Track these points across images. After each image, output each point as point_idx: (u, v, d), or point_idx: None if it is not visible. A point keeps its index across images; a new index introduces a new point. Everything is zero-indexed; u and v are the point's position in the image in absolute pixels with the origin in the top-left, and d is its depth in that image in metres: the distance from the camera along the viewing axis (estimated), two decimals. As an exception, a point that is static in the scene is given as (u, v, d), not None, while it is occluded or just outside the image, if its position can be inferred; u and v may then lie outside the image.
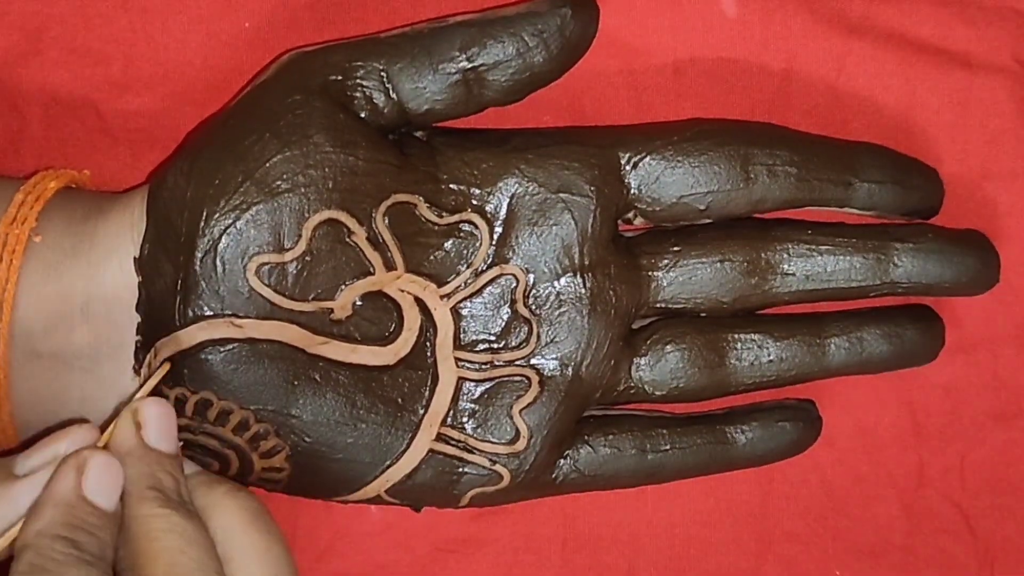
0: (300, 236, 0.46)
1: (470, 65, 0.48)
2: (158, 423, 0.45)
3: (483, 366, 0.49)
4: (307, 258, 0.46)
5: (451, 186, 0.48)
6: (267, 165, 0.46)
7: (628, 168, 0.50)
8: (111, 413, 0.47)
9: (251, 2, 0.53)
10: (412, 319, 0.48)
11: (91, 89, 0.53)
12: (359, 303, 0.48)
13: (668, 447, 0.51)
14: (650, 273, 0.50)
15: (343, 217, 0.47)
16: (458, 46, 0.48)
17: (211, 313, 0.46)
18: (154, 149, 0.53)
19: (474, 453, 0.49)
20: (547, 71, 0.48)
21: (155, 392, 0.46)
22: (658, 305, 0.51)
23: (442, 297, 0.48)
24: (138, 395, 0.46)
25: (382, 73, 0.48)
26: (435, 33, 0.48)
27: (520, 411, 0.49)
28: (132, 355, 0.47)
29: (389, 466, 0.49)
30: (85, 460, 0.43)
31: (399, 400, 0.48)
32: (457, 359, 0.49)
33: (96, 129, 0.53)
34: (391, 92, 0.48)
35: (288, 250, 0.46)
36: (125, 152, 0.53)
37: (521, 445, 0.49)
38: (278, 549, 0.45)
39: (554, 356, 0.49)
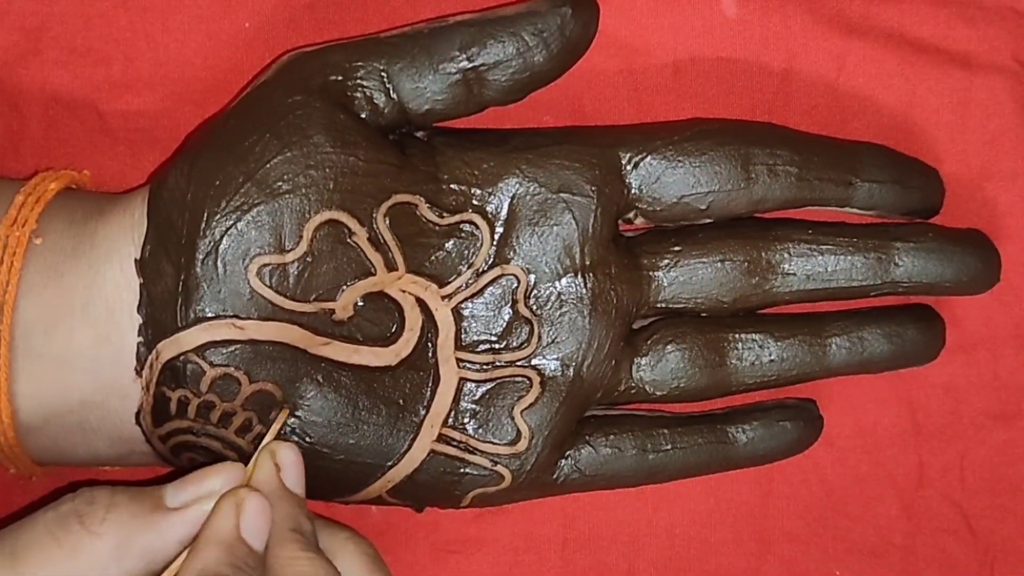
0: (301, 237, 0.46)
1: (470, 65, 0.48)
2: (295, 467, 0.46)
3: (484, 366, 0.49)
4: (308, 259, 0.46)
5: (452, 186, 0.48)
6: (268, 166, 0.46)
7: (629, 168, 0.50)
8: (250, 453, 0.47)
9: (251, 2, 0.53)
10: (413, 320, 0.48)
11: (91, 89, 0.53)
12: (360, 304, 0.48)
13: (669, 447, 0.51)
14: (651, 273, 0.50)
15: (344, 218, 0.47)
16: (458, 46, 0.48)
17: (212, 315, 0.46)
18: (154, 149, 0.53)
19: (475, 454, 0.49)
20: (547, 71, 0.48)
21: (158, 393, 0.46)
22: (659, 305, 0.51)
23: (443, 298, 0.48)
24: (267, 437, 0.46)
25: (382, 73, 0.48)
26: (435, 33, 0.48)
27: (521, 411, 0.49)
28: (133, 356, 0.46)
29: (391, 467, 0.49)
30: (243, 500, 0.43)
31: (400, 401, 0.48)
32: (458, 360, 0.49)
33: (96, 129, 0.53)
34: (391, 92, 0.48)
35: (289, 251, 0.46)
36: (125, 152, 0.53)
37: (522, 446, 0.49)
38: None
39: (555, 356, 0.49)
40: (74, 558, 0.42)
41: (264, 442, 0.46)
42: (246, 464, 0.46)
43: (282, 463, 0.46)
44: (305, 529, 0.44)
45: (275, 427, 0.47)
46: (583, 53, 0.49)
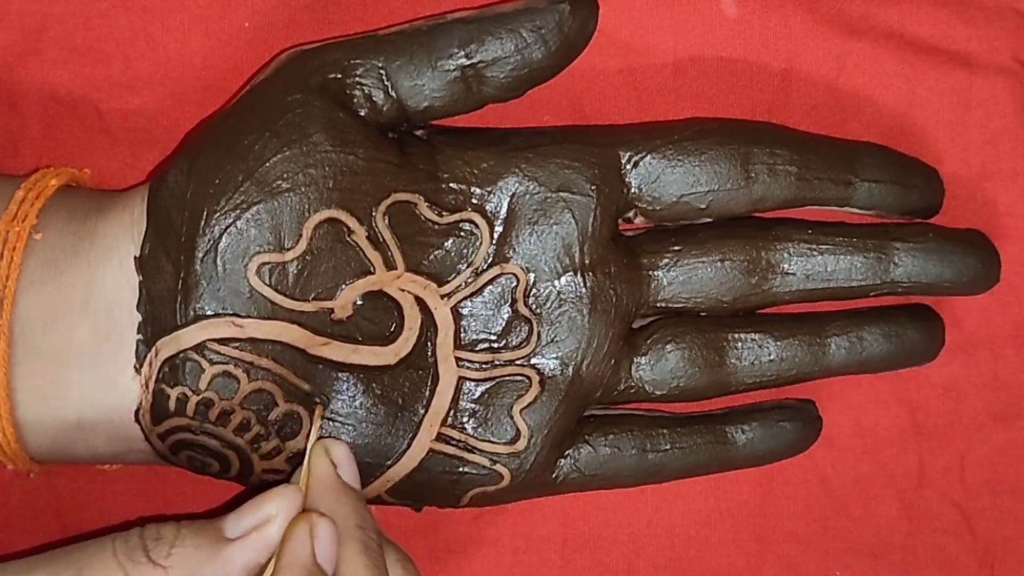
0: (300, 235, 0.46)
1: (469, 62, 0.48)
2: (349, 463, 0.47)
3: (483, 366, 0.49)
4: (307, 257, 0.46)
5: (451, 185, 0.48)
6: (267, 164, 0.46)
7: (628, 167, 0.50)
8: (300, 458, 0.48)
9: (251, 2, 0.53)
10: (413, 319, 0.48)
11: (91, 89, 0.53)
12: (359, 303, 0.48)
13: (668, 447, 0.51)
14: (650, 272, 0.50)
15: (343, 216, 0.47)
16: (457, 43, 0.48)
17: (212, 313, 0.46)
18: (154, 148, 0.53)
19: (474, 453, 0.49)
20: (546, 67, 0.48)
21: (157, 391, 0.46)
22: (658, 304, 0.51)
23: (442, 296, 0.48)
24: (312, 435, 0.47)
25: (381, 71, 0.48)
26: (434, 30, 0.48)
27: (520, 411, 0.49)
28: (133, 354, 0.46)
29: (389, 466, 0.49)
30: (315, 525, 0.44)
31: (400, 400, 0.48)
32: (457, 359, 0.49)
33: (96, 128, 0.53)
34: (390, 90, 0.48)
35: (288, 249, 0.46)
36: (125, 151, 0.53)
37: (521, 445, 0.49)
38: None
39: (554, 356, 0.49)
40: None
41: (311, 441, 0.47)
42: (295, 472, 0.47)
43: (337, 460, 0.46)
44: (368, 524, 0.45)
45: (316, 424, 0.47)
46: (582, 50, 0.49)
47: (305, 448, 0.47)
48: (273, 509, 0.44)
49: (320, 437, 0.47)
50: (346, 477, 0.46)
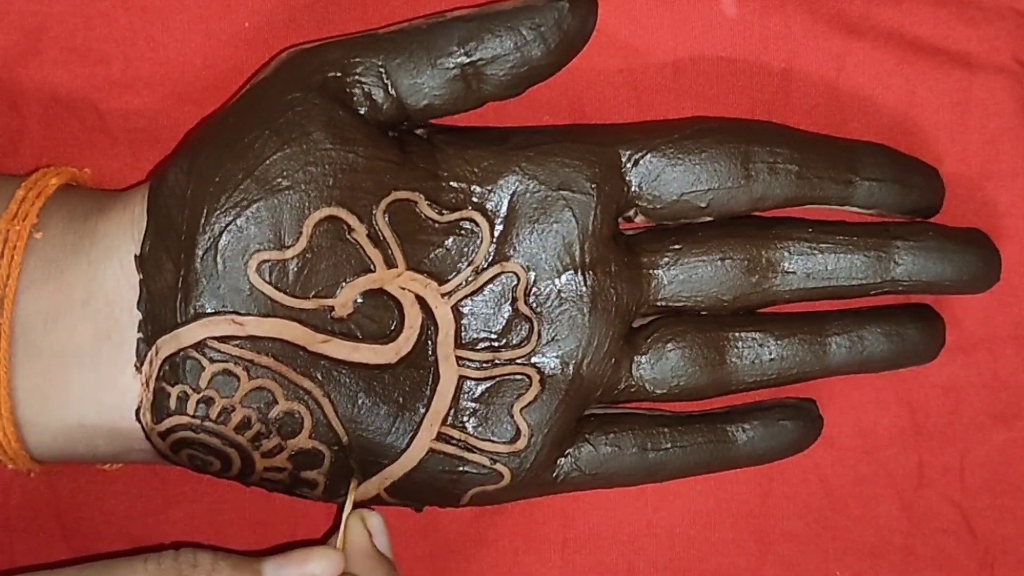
0: (301, 233, 0.46)
1: (468, 60, 0.48)
2: (384, 533, 0.48)
3: (484, 364, 0.49)
4: (308, 255, 0.46)
5: (451, 184, 0.48)
6: (267, 162, 0.46)
7: (629, 166, 0.50)
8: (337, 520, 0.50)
9: (251, 2, 0.53)
10: (413, 317, 0.48)
11: (91, 89, 0.53)
12: (360, 301, 0.48)
13: (669, 446, 0.51)
14: (651, 271, 0.50)
15: (343, 214, 0.47)
16: (456, 41, 0.48)
17: (212, 310, 0.46)
18: (154, 148, 0.53)
19: (474, 452, 0.49)
20: (545, 65, 0.48)
21: (157, 389, 0.46)
22: (659, 303, 0.51)
23: (443, 295, 0.48)
24: (347, 504, 0.48)
25: (380, 69, 0.48)
26: (433, 28, 0.48)
27: (521, 410, 0.49)
28: (133, 352, 0.46)
29: (389, 465, 0.49)
30: None
31: (400, 399, 0.48)
32: (458, 357, 0.49)
33: (96, 128, 0.53)
34: (390, 88, 0.48)
35: (289, 247, 0.46)
36: (125, 151, 0.53)
37: (522, 444, 0.49)
38: None
39: (555, 354, 0.49)
40: None
41: (347, 510, 0.48)
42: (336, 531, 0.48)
43: (372, 529, 0.47)
44: None
45: (351, 494, 0.48)
46: (581, 48, 0.49)
47: (342, 516, 0.48)
48: (317, 569, 0.45)
49: (355, 506, 0.48)
50: (381, 547, 0.47)
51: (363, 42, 0.48)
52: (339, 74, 0.47)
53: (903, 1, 0.53)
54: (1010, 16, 0.53)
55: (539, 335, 0.49)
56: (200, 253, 0.46)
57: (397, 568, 0.48)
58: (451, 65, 0.48)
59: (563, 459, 0.50)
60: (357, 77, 0.47)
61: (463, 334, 0.49)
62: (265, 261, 0.46)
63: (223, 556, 0.45)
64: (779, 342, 0.51)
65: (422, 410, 0.49)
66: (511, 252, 0.49)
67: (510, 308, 0.49)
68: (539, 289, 0.49)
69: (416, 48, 0.48)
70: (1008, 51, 0.53)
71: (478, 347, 0.49)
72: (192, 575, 0.43)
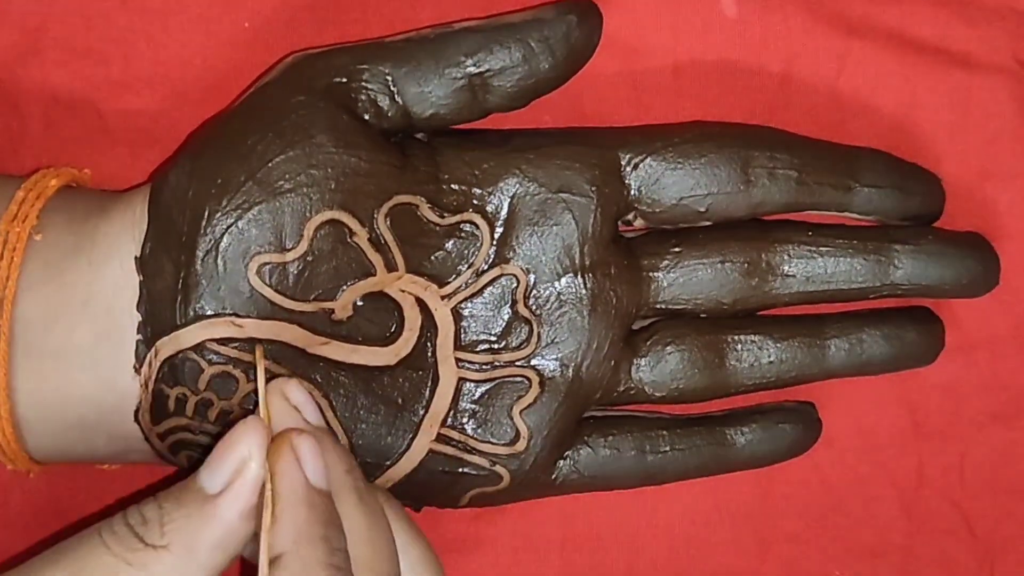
0: (302, 236, 0.46)
1: (476, 70, 0.48)
2: (309, 403, 0.45)
3: (483, 366, 0.49)
4: (308, 258, 0.46)
5: (452, 186, 0.48)
6: (269, 165, 0.46)
7: (628, 169, 0.50)
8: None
9: (251, 2, 0.53)
10: (413, 319, 0.48)
11: (91, 89, 0.53)
12: (360, 304, 0.48)
13: (668, 448, 0.51)
14: (650, 274, 0.50)
15: (345, 218, 0.47)
16: (464, 51, 0.48)
17: (212, 312, 0.46)
18: (154, 149, 0.53)
19: (474, 454, 0.49)
20: (552, 77, 0.48)
21: (156, 391, 0.46)
22: (658, 306, 0.51)
23: (443, 297, 0.48)
24: (259, 377, 0.45)
25: (387, 77, 0.48)
26: (441, 38, 0.48)
27: (520, 412, 0.49)
28: (132, 354, 0.46)
29: (389, 466, 0.49)
30: (298, 447, 0.42)
31: (399, 400, 0.48)
32: (458, 359, 0.49)
33: (96, 129, 0.53)
34: (396, 96, 0.48)
35: (289, 250, 0.46)
36: (125, 152, 0.53)
37: (521, 446, 0.49)
38: (437, 560, 0.46)
39: (554, 357, 0.49)
40: (148, 574, 0.41)
41: (260, 384, 0.45)
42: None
43: (295, 402, 0.44)
44: (354, 466, 0.44)
45: (260, 366, 0.45)
46: (587, 60, 0.49)
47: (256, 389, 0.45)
48: (245, 449, 0.42)
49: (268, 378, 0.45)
50: (311, 418, 0.45)
51: (370, 49, 0.48)
52: (345, 80, 0.47)
53: (903, 1, 0.53)
54: (1010, 16, 0.53)
55: (539, 337, 0.49)
56: (201, 255, 0.46)
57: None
58: (458, 75, 0.48)
59: (562, 461, 0.50)
60: (363, 83, 0.47)
61: (463, 336, 0.49)
62: (266, 264, 0.46)
63: (164, 496, 0.42)
64: (778, 345, 0.51)
65: (421, 411, 0.49)
66: (511, 254, 0.49)
67: (510, 310, 0.49)
68: (539, 291, 0.49)
69: (424, 57, 0.48)
70: (1008, 51, 0.53)
71: (478, 349, 0.49)
72: (147, 531, 0.42)
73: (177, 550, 0.41)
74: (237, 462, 0.42)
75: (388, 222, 0.47)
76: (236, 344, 0.46)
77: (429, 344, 0.49)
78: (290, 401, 0.44)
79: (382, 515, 0.44)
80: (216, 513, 0.41)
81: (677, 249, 0.50)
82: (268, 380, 0.45)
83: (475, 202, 0.49)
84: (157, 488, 0.45)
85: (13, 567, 0.43)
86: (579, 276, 0.49)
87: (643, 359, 0.50)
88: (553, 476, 0.50)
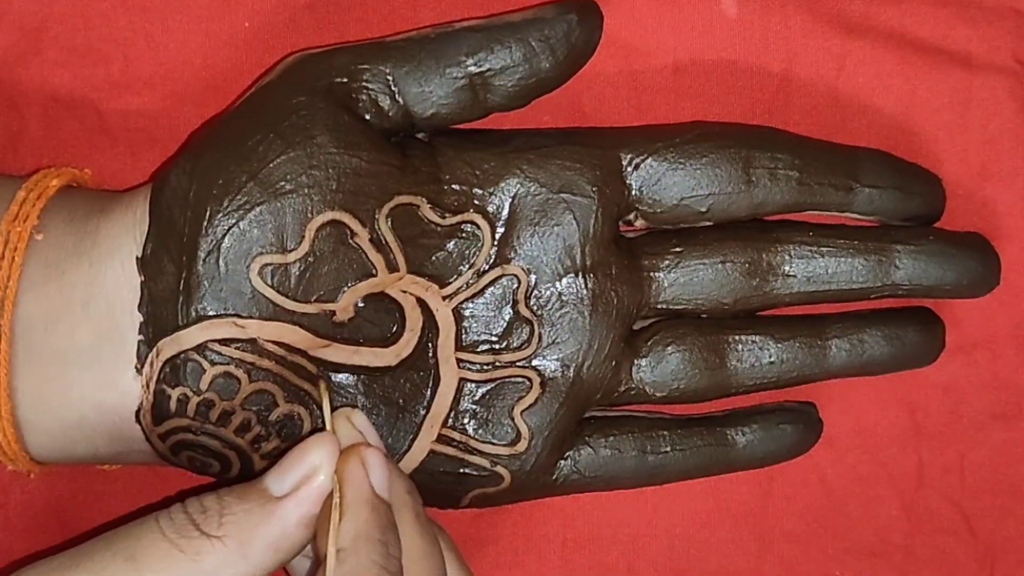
0: (303, 237, 0.46)
1: (477, 70, 0.48)
2: (371, 428, 0.46)
3: (484, 367, 0.49)
4: (310, 259, 0.46)
5: (453, 186, 0.48)
6: (271, 165, 0.46)
7: (629, 169, 0.50)
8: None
9: (251, 2, 0.53)
10: (414, 320, 0.48)
11: (91, 89, 0.53)
12: (361, 304, 0.47)
13: (668, 448, 0.51)
14: (651, 274, 0.50)
15: (346, 218, 0.47)
16: (465, 51, 0.48)
17: (213, 313, 0.46)
18: (154, 149, 0.53)
19: (475, 454, 0.49)
20: (553, 77, 0.48)
21: (158, 391, 0.46)
22: (659, 306, 0.51)
23: (444, 298, 0.48)
24: (324, 407, 0.46)
25: (388, 76, 0.48)
26: (442, 38, 0.48)
27: (521, 412, 0.49)
28: (134, 354, 0.46)
29: (389, 467, 0.49)
30: (366, 458, 0.44)
31: (400, 401, 0.48)
32: (459, 360, 0.49)
33: (96, 129, 0.53)
34: (397, 96, 0.48)
35: (291, 251, 0.46)
36: (125, 152, 0.53)
37: (522, 446, 0.49)
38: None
39: (555, 357, 0.49)
40: (199, 562, 0.42)
41: (327, 410, 0.46)
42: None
43: (360, 427, 0.46)
44: (414, 491, 0.45)
45: (326, 398, 0.47)
46: (587, 60, 0.49)
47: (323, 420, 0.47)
48: (317, 459, 0.44)
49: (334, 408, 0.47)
50: (374, 443, 0.46)
51: (371, 49, 0.48)
52: (346, 80, 0.47)
53: (903, 1, 0.53)
54: (1010, 16, 0.53)
55: (540, 337, 0.49)
56: (202, 255, 0.46)
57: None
58: (459, 75, 0.48)
59: (563, 461, 0.50)
60: (364, 83, 0.47)
61: (464, 336, 0.49)
62: (267, 264, 0.46)
63: (226, 490, 0.44)
64: (779, 345, 0.51)
65: (422, 412, 0.49)
66: (512, 255, 0.49)
67: (511, 310, 0.49)
68: (540, 292, 0.49)
69: (424, 57, 0.48)
70: (1008, 51, 0.53)
71: (479, 349, 0.49)
72: (206, 519, 0.43)
73: (231, 543, 0.42)
74: (307, 469, 0.44)
75: (389, 222, 0.47)
76: (238, 345, 0.46)
77: (430, 345, 0.49)
78: (355, 426, 0.46)
79: (436, 539, 0.45)
80: (278, 513, 0.43)
81: (678, 249, 0.50)
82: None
83: (476, 202, 0.49)
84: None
85: (63, 551, 0.43)
86: (580, 276, 0.49)
87: (644, 359, 0.50)
88: (554, 476, 0.50)
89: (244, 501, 0.43)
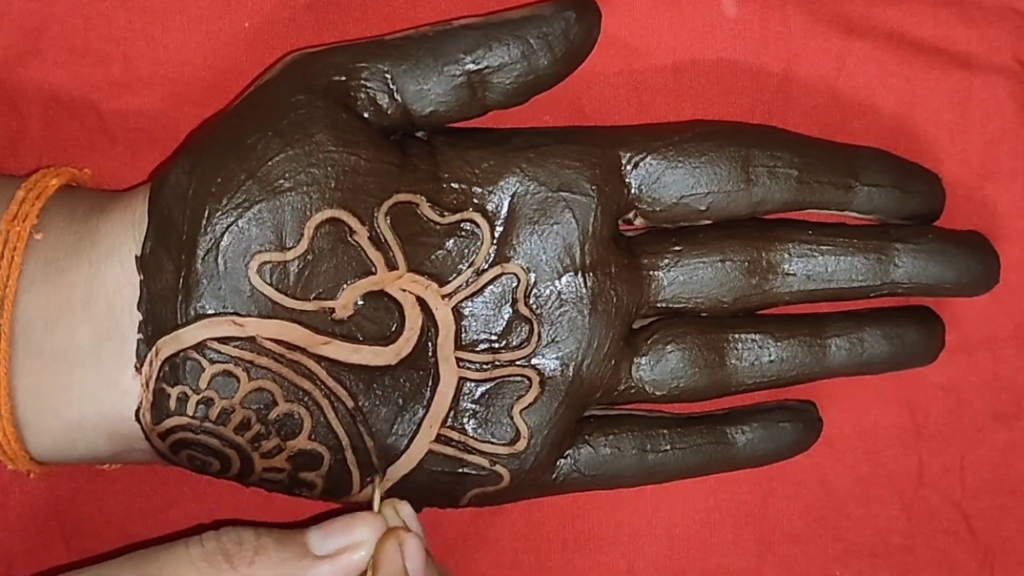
0: (302, 235, 0.46)
1: (475, 68, 0.48)
2: (415, 520, 0.47)
3: (484, 366, 0.49)
4: (309, 257, 0.46)
5: (452, 185, 0.48)
6: (269, 164, 0.46)
7: (629, 168, 0.50)
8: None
9: (251, 2, 0.53)
10: (414, 319, 0.48)
11: (91, 89, 0.53)
12: (360, 303, 0.47)
13: (668, 447, 0.51)
14: (651, 272, 0.50)
15: (345, 216, 0.47)
16: (463, 48, 0.48)
17: (213, 311, 0.46)
18: (154, 149, 0.53)
19: (474, 454, 0.49)
20: (551, 74, 0.48)
21: (157, 390, 0.46)
22: (659, 305, 0.51)
23: (443, 297, 0.48)
24: (376, 496, 0.47)
25: (386, 75, 0.48)
26: (440, 36, 0.48)
27: (520, 411, 0.49)
28: (133, 353, 0.46)
29: (389, 467, 0.49)
30: (404, 541, 0.45)
31: (400, 400, 0.48)
32: (458, 359, 0.49)
33: (96, 129, 0.53)
34: (395, 94, 0.48)
35: (290, 249, 0.46)
36: (125, 152, 0.53)
37: (521, 445, 0.49)
38: None
39: (555, 356, 0.49)
40: None
41: (376, 500, 0.47)
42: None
43: (404, 516, 0.47)
44: None
45: (379, 490, 0.48)
46: (586, 57, 0.49)
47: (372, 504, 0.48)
48: (362, 535, 0.45)
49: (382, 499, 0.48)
50: (415, 531, 0.47)
51: (369, 47, 0.48)
52: (344, 78, 0.47)
53: (903, 1, 0.53)
54: (1010, 16, 0.53)
55: (539, 336, 0.49)
56: (201, 254, 0.46)
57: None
58: (457, 72, 0.48)
59: (563, 460, 0.50)
60: (362, 82, 0.47)
61: (463, 335, 0.49)
62: (266, 262, 0.46)
63: (265, 531, 0.44)
64: (779, 344, 0.51)
65: (422, 411, 0.49)
66: (511, 253, 0.49)
67: (510, 309, 0.49)
68: (539, 290, 0.49)
69: (423, 55, 0.48)
70: (1008, 51, 0.53)
71: (478, 348, 0.49)
72: (238, 553, 0.43)
73: None
74: (352, 539, 0.45)
75: (388, 221, 0.47)
76: (237, 343, 0.46)
77: (430, 343, 0.49)
78: (400, 515, 0.46)
79: None
80: (312, 571, 0.44)
81: (677, 248, 0.50)
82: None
83: (475, 201, 0.49)
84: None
85: (91, 565, 0.44)
86: (579, 275, 0.49)
87: (643, 358, 0.50)
88: (554, 475, 0.50)
89: (282, 548, 0.44)
